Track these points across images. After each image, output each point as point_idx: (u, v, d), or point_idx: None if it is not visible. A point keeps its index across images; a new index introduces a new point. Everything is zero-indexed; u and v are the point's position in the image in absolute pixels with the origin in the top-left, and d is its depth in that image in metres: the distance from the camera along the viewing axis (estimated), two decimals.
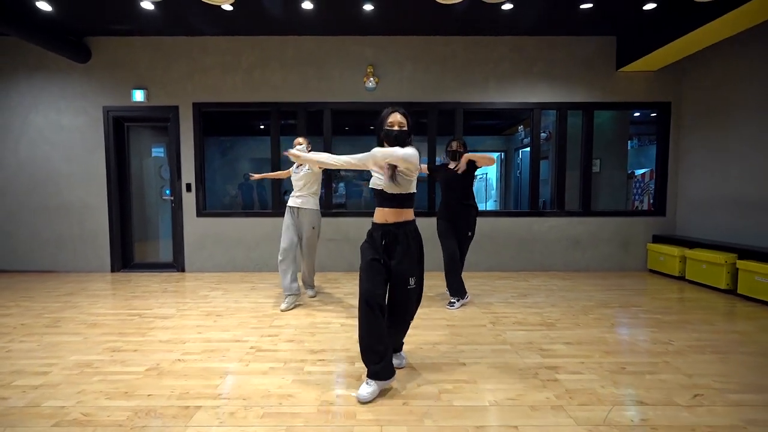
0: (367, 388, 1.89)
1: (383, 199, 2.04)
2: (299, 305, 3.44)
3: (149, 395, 1.91)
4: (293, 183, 3.54)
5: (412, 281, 2.02)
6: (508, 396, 1.92)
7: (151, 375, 2.12)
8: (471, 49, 4.82)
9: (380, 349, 1.91)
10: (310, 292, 3.73)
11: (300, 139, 3.48)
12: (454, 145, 3.44)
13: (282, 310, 3.27)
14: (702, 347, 2.54)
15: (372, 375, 1.91)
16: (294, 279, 3.38)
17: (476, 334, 2.76)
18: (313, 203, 3.49)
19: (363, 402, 1.86)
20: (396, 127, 1.99)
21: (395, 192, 2.01)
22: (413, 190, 2.06)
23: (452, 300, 3.40)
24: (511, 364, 2.27)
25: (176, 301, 3.59)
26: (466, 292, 3.48)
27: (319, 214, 3.56)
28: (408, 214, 2.06)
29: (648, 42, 4.33)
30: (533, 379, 2.10)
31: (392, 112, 2.02)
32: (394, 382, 2.00)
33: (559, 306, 3.44)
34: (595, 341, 2.63)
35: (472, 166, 3.37)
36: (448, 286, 3.44)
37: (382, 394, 1.93)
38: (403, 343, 2.30)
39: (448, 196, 3.44)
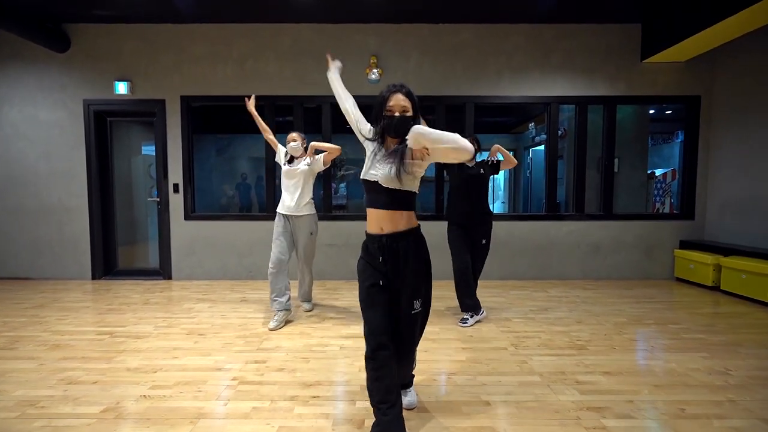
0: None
1: (378, 195, 1.58)
2: (290, 321, 3.05)
3: None
4: (284, 183, 3.10)
5: (417, 304, 1.60)
6: None
7: (106, 419, 1.73)
8: (483, 39, 4.42)
9: (392, 398, 1.52)
10: (306, 306, 3.35)
11: (294, 135, 3.09)
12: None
13: (271, 329, 2.87)
14: (766, 378, 2.14)
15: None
16: (285, 293, 2.98)
17: (497, 360, 2.37)
18: (309, 207, 3.10)
19: None
20: (397, 113, 1.53)
21: (395, 187, 1.55)
22: (416, 189, 1.62)
23: (465, 317, 3.00)
24: (545, 404, 1.87)
25: (156, 315, 3.21)
26: (480, 308, 3.08)
27: (316, 217, 3.17)
28: (411, 219, 1.62)
29: (678, 30, 3.92)
30: (575, 426, 1.70)
31: (393, 92, 1.55)
32: None
33: (587, 323, 3.04)
34: (639, 371, 2.23)
35: (497, 166, 3.00)
36: (459, 302, 3.04)
37: None
38: (413, 376, 1.90)
39: (464, 199, 3.01)
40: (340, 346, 2.57)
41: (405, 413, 1.77)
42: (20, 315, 3.20)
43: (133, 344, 2.59)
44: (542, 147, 7.09)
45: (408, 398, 1.83)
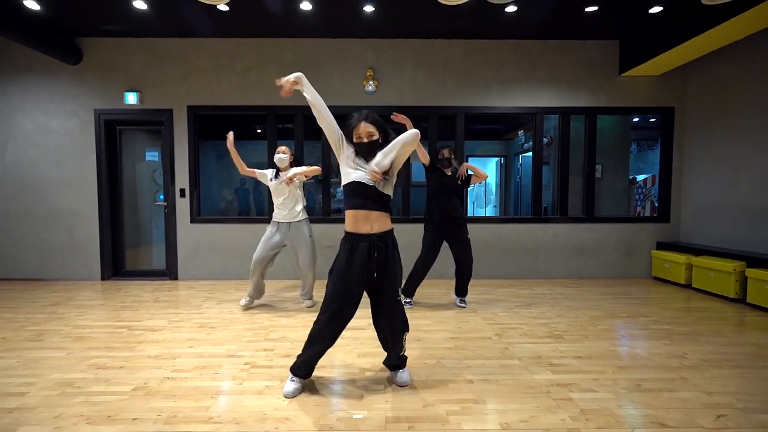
0: (292, 384, 1.98)
1: (368, 198, 1.85)
2: (292, 315, 3.30)
3: (134, 419, 1.77)
4: (276, 198, 3.41)
5: (399, 292, 1.99)
6: (520, 418, 1.80)
7: (137, 395, 1.98)
8: (473, 53, 4.74)
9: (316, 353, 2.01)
10: (308, 303, 3.60)
11: (284, 148, 3.42)
12: (446, 152, 3.37)
13: (242, 305, 3.48)
14: (718, 361, 2.43)
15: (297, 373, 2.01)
16: (261, 290, 3.53)
17: (482, 347, 2.63)
18: (303, 214, 3.42)
19: (289, 397, 1.94)
20: (365, 139, 1.85)
21: (385, 191, 1.89)
22: (391, 193, 1.96)
23: (407, 300, 3.53)
24: (521, 381, 2.15)
25: (168, 312, 3.44)
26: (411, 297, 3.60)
27: (308, 222, 3.48)
28: (389, 220, 1.95)
29: (652, 46, 4.26)
30: (545, 398, 1.97)
31: (359, 120, 1.86)
32: (389, 401, 1.93)
33: (566, 316, 3.33)
34: (607, 355, 2.51)
35: (467, 180, 3.36)
36: (405, 286, 3.42)
37: (385, 417, 1.80)
38: (405, 357, 2.17)
39: (442, 205, 3.35)
40: (341, 337, 2.81)
41: (398, 389, 2.04)
42: (39, 312, 3.42)
43: (151, 336, 2.83)
44: (531, 154, 7.43)
45: (404, 376, 2.10)
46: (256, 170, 3.51)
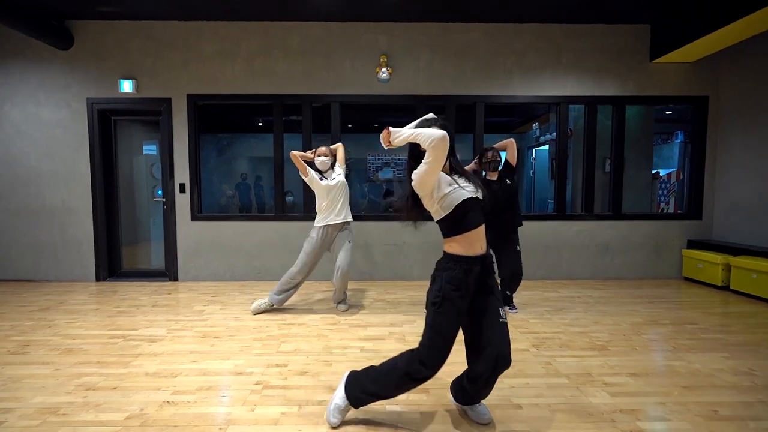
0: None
1: (480, 215, 1.57)
2: (302, 324, 3.01)
3: None
4: (321, 196, 3.15)
5: (503, 312, 1.58)
6: None
7: (131, 427, 1.68)
8: (493, 38, 4.40)
9: None
10: (342, 307, 3.35)
11: (324, 149, 3.20)
12: (490, 154, 3.07)
13: (252, 309, 3.23)
14: None
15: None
16: (286, 299, 3.30)
17: (522, 361, 2.34)
18: (349, 215, 3.25)
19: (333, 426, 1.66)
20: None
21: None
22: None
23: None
24: (577, 406, 1.85)
25: (167, 318, 3.15)
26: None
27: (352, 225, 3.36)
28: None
29: (686, 31, 3.94)
30: (611, 428, 1.68)
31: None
32: None
33: (603, 323, 3.04)
34: (665, 372, 2.22)
35: (510, 167, 3.06)
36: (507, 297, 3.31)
37: None
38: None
39: (495, 217, 3.03)
40: (360, 349, 2.53)
41: (433, 418, 1.74)
42: (27, 318, 3.13)
43: (148, 348, 2.54)
44: (545, 147, 7.10)
45: (483, 411, 1.74)
46: (310, 171, 3.19)
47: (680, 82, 4.50)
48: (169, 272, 4.50)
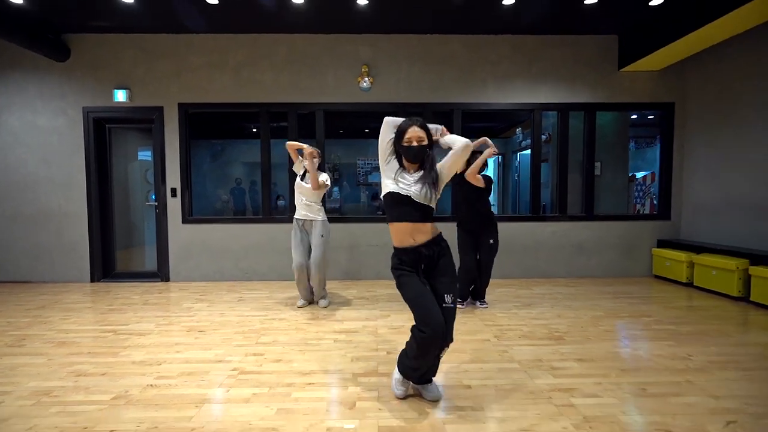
0: (402, 387, 1.94)
1: (409, 209, 1.78)
2: (282, 315, 3.21)
3: (112, 431, 1.67)
4: (298, 194, 3.46)
5: (449, 298, 1.80)
6: (520, 426, 1.71)
7: (117, 405, 1.88)
8: (470, 48, 4.64)
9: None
10: (323, 303, 3.53)
11: (314, 151, 3.36)
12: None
13: (299, 306, 3.50)
14: (724, 363, 2.35)
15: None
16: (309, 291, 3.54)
17: (480, 350, 2.54)
18: (322, 215, 3.46)
19: (401, 398, 1.92)
20: (415, 143, 1.78)
21: (425, 202, 1.79)
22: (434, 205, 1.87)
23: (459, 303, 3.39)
24: (521, 386, 2.05)
25: (156, 314, 3.34)
26: (467, 298, 3.54)
27: (327, 223, 3.49)
28: (435, 229, 1.87)
29: (651, 41, 4.18)
30: (547, 404, 1.88)
31: (410, 125, 1.79)
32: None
33: (566, 317, 3.24)
34: (610, 357, 2.43)
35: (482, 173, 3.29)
36: (462, 292, 3.44)
37: (378, 427, 1.71)
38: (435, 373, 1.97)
39: (467, 206, 3.39)
40: (334, 340, 2.73)
41: (388, 398, 1.94)
42: (24, 315, 3.31)
43: (137, 340, 2.73)
44: (528, 152, 7.34)
45: (434, 390, 1.93)
46: (300, 158, 3.52)
47: (648, 89, 4.74)
48: (161, 273, 4.69)
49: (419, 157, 1.80)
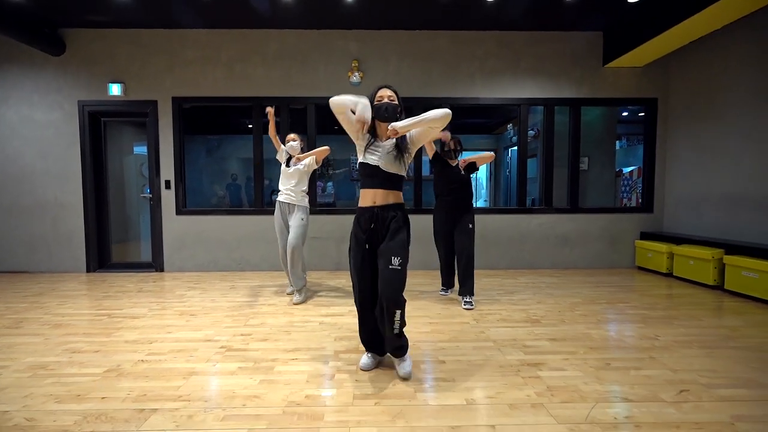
0: (366, 359, 2.11)
1: (375, 177, 1.96)
2: (271, 301, 3.32)
3: (103, 398, 1.78)
4: (282, 179, 3.48)
5: (396, 261, 1.89)
6: (486, 394, 1.82)
7: (109, 377, 1.99)
8: (457, 44, 4.75)
9: (376, 337, 2.08)
10: (297, 298, 3.58)
11: (293, 135, 3.44)
12: (452, 143, 3.36)
13: (296, 304, 3.34)
14: (688, 342, 2.47)
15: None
16: (303, 275, 3.44)
17: (458, 331, 2.66)
18: (305, 202, 3.45)
19: (364, 370, 2.07)
20: (386, 99, 1.93)
21: (392, 171, 1.95)
22: (404, 173, 2.03)
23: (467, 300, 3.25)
24: (492, 361, 2.18)
25: (150, 300, 3.45)
26: (450, 287, 3.63)
27: (308, 211, 3.49)
28: (398, 196, 2.01)
29: (634, 37, 4.30)
30: (514, 376, 2.00)
31: (381, 87, 1.99)
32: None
33: (546, 303, 3.36)
34: (580, 337, 2.55)
35: (473, 167, 3.36)
36: (461, 286, 3.30)
37: (353, 395, 1.83)
38: (403, 347, 2.02)
39: (448, 194, 3.37)
40: (320, 322, 2.85)
41: (367, 373, 2.06)
42: (21, 301, 3.42)
43: (130, 323, 2.84)
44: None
45: (405, 367, 2.00)
46: (282, 145, 3.51)
47: (631, 84, 4.86)
48: (155, 263, 4.80)
49: (391, 114, 1.91)
